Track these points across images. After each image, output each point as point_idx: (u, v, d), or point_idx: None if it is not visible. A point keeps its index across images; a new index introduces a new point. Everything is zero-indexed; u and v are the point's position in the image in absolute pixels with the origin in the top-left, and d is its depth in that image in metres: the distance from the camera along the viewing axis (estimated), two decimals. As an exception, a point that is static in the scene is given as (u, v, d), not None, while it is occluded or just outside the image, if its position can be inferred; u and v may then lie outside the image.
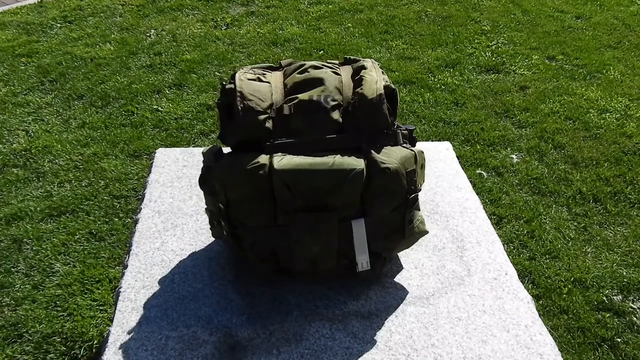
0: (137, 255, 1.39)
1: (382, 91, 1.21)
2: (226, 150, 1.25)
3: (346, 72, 1.29)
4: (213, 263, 1.37)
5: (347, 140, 1.20)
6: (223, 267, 1.36)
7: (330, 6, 4.33)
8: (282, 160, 1.15)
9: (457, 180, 1.67)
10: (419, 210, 1.26)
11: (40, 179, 2.58)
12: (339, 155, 1.17)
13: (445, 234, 1.48)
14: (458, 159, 2.68)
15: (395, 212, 1.22)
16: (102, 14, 4.24)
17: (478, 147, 2.79)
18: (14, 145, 2.81)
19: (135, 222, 1.51)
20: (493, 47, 3.76)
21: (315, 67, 1.27)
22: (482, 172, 2.62)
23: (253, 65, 1.31)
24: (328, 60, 1.34)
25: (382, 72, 1.29)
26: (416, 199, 1.23)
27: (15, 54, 3.68)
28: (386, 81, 1.26)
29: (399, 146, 1.24)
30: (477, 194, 2.57)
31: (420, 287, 1.33)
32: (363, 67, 1.27)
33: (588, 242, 2.26)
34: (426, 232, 1.30)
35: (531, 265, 2.14)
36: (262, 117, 1.19)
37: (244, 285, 1.32)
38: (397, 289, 1.32)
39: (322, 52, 3.69)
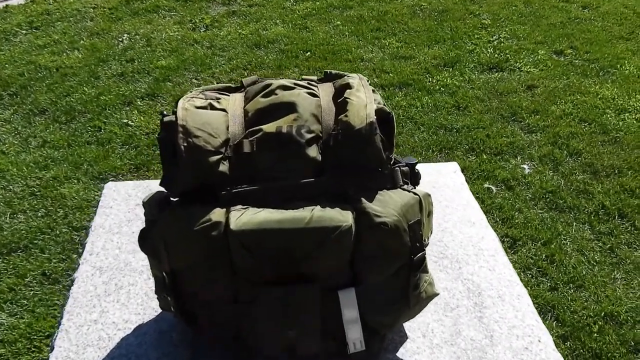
0: (67, 331, 1.09)
1: (374, 118, 0.91)
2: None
3: (326, 92, 0.99)
4: (164, 339, 1.07)
5: (329, 184, 0.90)
6: (176, 344, 1.06)
7: (317, 3, 4.02)
8: (242, 217, 0.86)
9: (469, 213, 1.37)
10: (428, 272, 0.96)
11: (-9, 209, 2.28)
12: (318, 207, 0.87)
13: (458, 286, 1.18)
14: (463, 172, 2.39)
15: (396, 277, 0.92)
16: (71, 18, 3.92)
17: (484, 156, 2.49)
18: (-35, 170, 2.50)
19: (71, 283, 1.21)
20: (495, 42, 3.46)
21: (285, 88, 0.97)
22: (490, 186, 2.33)
23: (206, 87, 1.01)
24: (304, 77, 1.04)
25: (374, 91, 0.99)
26: (423, 258, 0.93)
27: (-27, 65, 3.36)
28: (379, 103, 0.96)
29: (398, 189, 0.94)
30: (486, 212, 2.27)
31: (430, 366, 1.03)
32: (348, 86, 0.97)
33: (616, 266, 1.97)
34: (436, 295, 1.01)
35: (554, 297, 1.85)
36: (214, 158, 0.89)
37: (202, 370, 1.02)
38: (400, 369, 1.03)
39: (308, 53, 3.39)
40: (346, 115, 0.91)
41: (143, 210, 0.99)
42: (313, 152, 0.91)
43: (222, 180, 0.89)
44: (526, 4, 3.95)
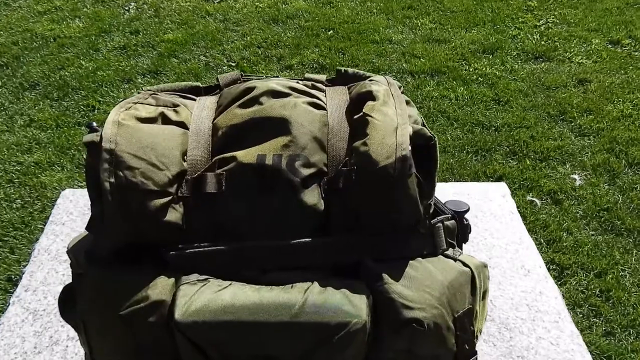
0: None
1: (408, 150, 0.59)
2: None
3: (338, 102, 0.67)
4: None
5: (334, 248, 0.59)
6: None
7: (344, -24, 3.65)
8: (196, 299, 0.55)
9: (523, 256, 1.05)
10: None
11: (-38, 197, 2.02)
12: (315, 285, 0.56)
13: (508, 367, 0.87)
14: (503, 179, 2.06)
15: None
16: (76, -17, 3.61)
17: (528, 162, 2.15)
18: (-61, 149, 2.25)
19: (-4, 330, 0.93)
20: (542, 27, 3.07)
21: (275, 94, 0.65)
22: (534, 199, 1.99)
23: (163, 87, 0.70)
24: (307, 75, 0.72)
25: (409, 102, 0.67)
26: (473, 365, 0.62)
27: (-34, 31, 3.10)
28: (415, 122, 0.64)
29: (440, 257, 0.62)
30: (529, 230, 1.93)
31: None
32: (370, 96, 0.65)
33: (687, 309, 1.63)
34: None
35: (610, 345, 1.52)
36: (158, 202, 0.58)
37: None
38: None
39: (331, 32, 3.04)
40: (365, 144, 0.59)
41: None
42: (312, 197, 0.59)
43: (170, 235, 0.59)
44: (578, -15, 3.52)
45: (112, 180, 0.57)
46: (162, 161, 0.59)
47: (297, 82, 0.69)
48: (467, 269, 0.62)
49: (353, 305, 0.55)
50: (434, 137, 0.64)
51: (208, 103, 0.67)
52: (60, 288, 0.98)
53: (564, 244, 1.83)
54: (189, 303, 0.55)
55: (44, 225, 1.92)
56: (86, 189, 1.20)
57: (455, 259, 0.62)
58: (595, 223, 1.91)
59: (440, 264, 0.61)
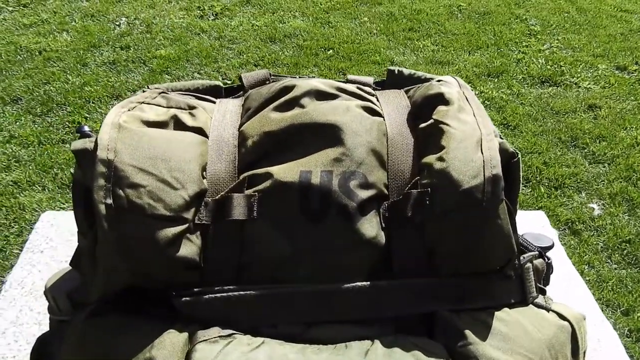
0: None
1: (498, 169, 0.46)
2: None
3: (396, 108, 0.54)
4: None
5: (399, 296, 0.45)
6: None
7: (342, -4, 3.58)
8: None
9: (573, 295, 0.91)
10: None
11: None
12: (377, 345, 0.42)
13: None
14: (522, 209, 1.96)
15: None
16: (65, -3, 3.49)
17: (542, 189, 2.03)
18: None
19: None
20: (546, 52, 3.00)
21: (321, 95, 0.51)
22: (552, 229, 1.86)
23: (174, 85, 0.56)
24: (350, 78, 0.59)
25: (483, 112, 0.54)
26: None
27: (-54, 42, 2.94)
28: (496, 135, 0.51)
29: (531, 307, 0.49)
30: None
31: None
32: (441, 99, 0.51)
33: None
34: None
35: (645, 393, 1.39)
36: (170, 231, 0.44)
37: None
38: None
39: (330, 51, 2.94)
40: (442, 159, 0.46)
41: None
42: (371, 227, 0.46)
43: (184, 275, 0.44)
44: (579, 11, 3.48)
45: (110, 201, 0.42)
46: (176, 177, 0.45)
47: (343, 83, 0.55)
48: (566, 323, 0.48)
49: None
50: (517, 153, 0.51)
51: (231, 107, 0.54)
52: (35, 329, 0.82)
53: (587, 279, 1.70)
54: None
55: (22, 250, 1.76)
56: (71, 212, 1.05)
57: (548, 309, 0.49)
58: (618, 256, 1.79)
59: (534, 316, 0.47)
